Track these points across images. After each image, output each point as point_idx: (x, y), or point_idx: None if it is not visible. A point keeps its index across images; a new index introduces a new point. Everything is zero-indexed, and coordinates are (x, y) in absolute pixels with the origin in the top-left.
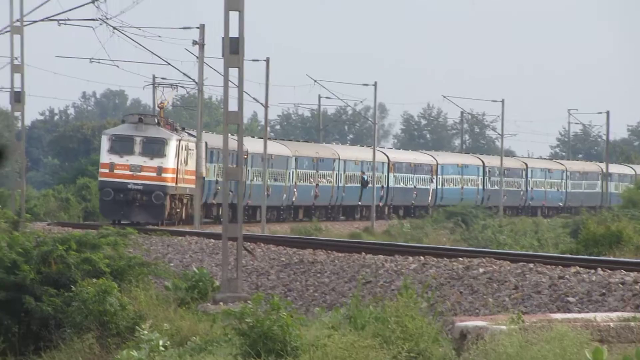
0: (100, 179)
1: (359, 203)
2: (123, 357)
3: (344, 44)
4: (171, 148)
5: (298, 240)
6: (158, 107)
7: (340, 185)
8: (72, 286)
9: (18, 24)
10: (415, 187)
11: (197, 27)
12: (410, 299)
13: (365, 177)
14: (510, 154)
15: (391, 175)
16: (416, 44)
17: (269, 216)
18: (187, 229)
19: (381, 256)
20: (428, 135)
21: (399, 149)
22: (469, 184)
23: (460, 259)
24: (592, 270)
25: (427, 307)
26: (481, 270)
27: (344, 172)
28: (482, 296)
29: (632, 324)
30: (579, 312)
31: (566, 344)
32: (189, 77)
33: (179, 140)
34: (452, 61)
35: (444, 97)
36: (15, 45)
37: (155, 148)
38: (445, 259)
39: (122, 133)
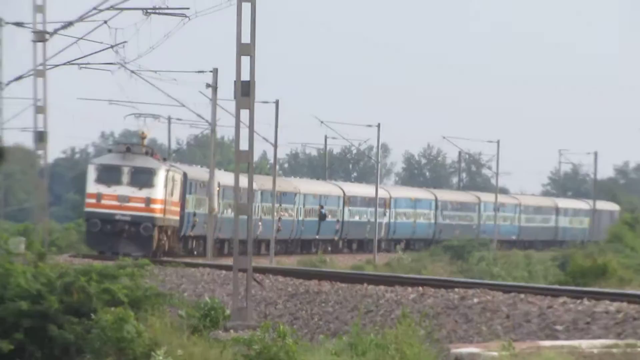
0: (86, 209)
1: (317, 237)
2: None
3: (350, 86)
4: (160, 178)
5: (304, 271)
6: (140, 137)
7: (300, 219)
8: (92, 314)
9: (41, 67)
10: (369, 220)
11: (211, 71)
12: (408, 327)
13: (323, 211)
14: (504, 191)
15: (346, 209)
16: (418, 88)
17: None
18: (200, 260)
19: (382, 287)
20: (427, 174)
21: (400, 185)
22: (421, 218)
23: (456, 289)
24: (579, 300)
25: (424, 334)
26: (475, 300)
27: (304, 206)
28: (476, 324)
29: (614, 350)
30: (566, 339)
31: None
32: (203, 118)
33: (167, 171)
34: (452, 103)
35: (443, 137)
36: (39, 88)
37: (143, 178)
38: (442, 289)
39: (109, 163)
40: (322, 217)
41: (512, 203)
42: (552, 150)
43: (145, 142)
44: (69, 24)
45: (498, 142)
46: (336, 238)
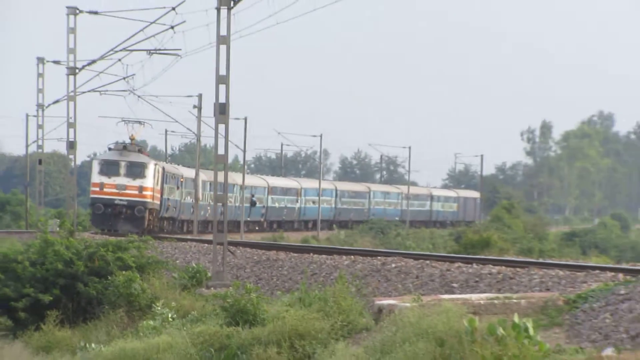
0: (92, 195)
1: (248, 219)
2: (144, 326)
3: (300, 103)
4: (150, 171)
5: (266, 244)
6: (130, 138)
7: (237, 205)
8: (109, 276)
9: (72, 94)
10: (286, 206)
11: (197, 96)
12: (343, 285)
13: (254, 199)
14: (414, 184)
15: (270, 197)
16: (353, 103)
17: (191, 228)
18: (188, 236)
19: (324, 255)
20: (357, 171)
21: (337, 181)
22: (325, 204)
23: (379, 257)
24: (469, 265)
25: (355, 291)
26: (393, 265)
27: (239, 195)
28: (394, 283)
29: (495, 301)
30: (460, 293)
31: (450, 315)
32: (190, 130)
33: (155, 165)
34: (377, 116)
35: (369, 144)
36: (70, 109)
37: (137, 171)
38: (369, 257)
39: (109, 158)
40: (253, 203)
41: (396, 192)
42: (450, 152)
43: (141, 144)
44: (93, 61)
45: (409, 147)
46: (262, 220)
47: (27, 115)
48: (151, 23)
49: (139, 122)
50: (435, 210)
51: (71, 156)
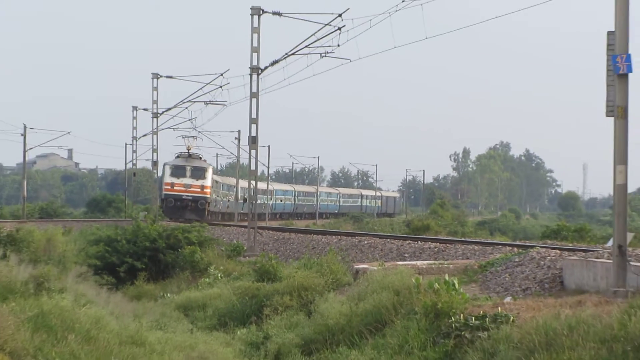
0: (164, 192)
1: (241, 211)
2: (202, 282)
3: (303, 134)
4: (208, 174)
5: (281, 228)
6: (187, 149)
7: (240, 201)
8: (179, 249)
9: (155, 130)
10: (263, 202)
11: (237, 131)
12: (333, 255)
13: (245, 196)
14: (380, 189)
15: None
16: (340, 133)
17: (227, 218)
18: (230, 223)
19: (320, 236)
20: (342, 181)
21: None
22: (287, 201)
23: (356, 237)
24: (416, 242)
25: (341, 259)
26: (365, 242)
27: (244, 194)
28: (366, 254)
29: (433, 266)
30: (410, 260)
31: (403, 275)
32: (233, 154)
33: (211, 169)
34: (355, 142)
35: (350, 163)
36: (154, 140)
37: (199, 173)
38: (349, 237)
39: (178, 164)
40: (245, 200)
41: (335, 192)
42: (403, 168)
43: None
44: (169, 109)
45: (376, 165)
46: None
47: (126, 144)
48: (206, 84)
49: (193, 137)
50: (364, 205)
51: (154, 170)
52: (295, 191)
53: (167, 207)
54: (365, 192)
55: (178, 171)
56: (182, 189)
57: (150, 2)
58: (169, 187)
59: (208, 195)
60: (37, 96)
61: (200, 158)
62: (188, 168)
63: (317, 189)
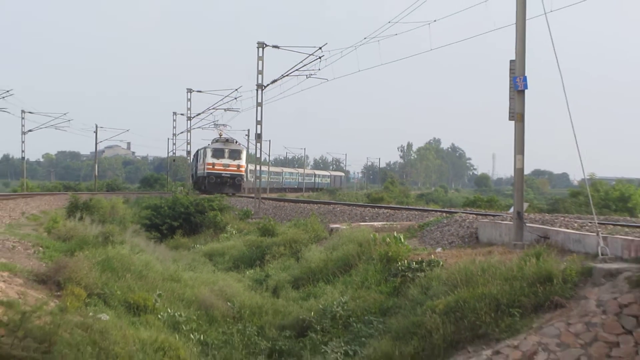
0: (206, 171)
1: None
2: (222, 237)
3: (292, 132)
4: (244, 155)
5: (278, 198)
6: (218, 134)
7: (251, 179)
8: (205, 213)
9: (189, 129)
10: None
11: (247, 130)
12: (315, 218)
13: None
14: (347, 172)
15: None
16: (321, 127)
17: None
18: (243, 194)
19: (306, 204)
20: (321, 165)
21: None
22: (263, 179)
23: (331, 205)
24: (374, 209)
25: (320, 220)
26: (338, 208)
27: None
28: (338, 217)
29: (386, 225)
30: (369, 222)
31: (365, 232)
32: (245, 146)
33: (245, 151)
34: (332, 134)
35: (327, 152)
36: (190, 137)
37: (235, 155)
38: (327, 205)
39: (218, 147)
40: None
41: (296, 172)
42: (364, 155)
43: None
44: (199, 114)
45: (346, 154)
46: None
47: (168, 139)
48: (225, 97)
49: (224, 125)
50: (317, 181)
51: (188, 158)
52: (268, 171)
53: (209, 183)
54: (318, 172)
55: (218, 153)
56: (222, 168)
57: (183, 29)
58: (211, 167)
59: (243, 173)
60: (104, 94)
61: (236, 142)
62: (226, 150)
63: (282, 170)
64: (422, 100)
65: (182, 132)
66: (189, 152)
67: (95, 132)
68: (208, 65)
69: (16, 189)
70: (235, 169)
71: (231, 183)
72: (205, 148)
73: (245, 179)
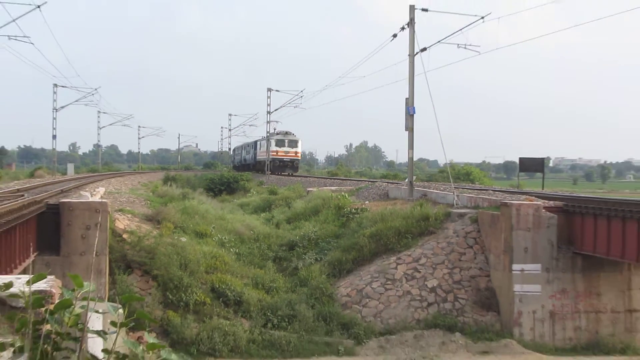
0: (270, 156)
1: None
2: (248, 195)
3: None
4: (299, 144)
5: (279, 174)
6: (273, 128)
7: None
8: (238, 182)
9: (229, 134)
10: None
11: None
12: (299, 185)
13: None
14: (316, 159)
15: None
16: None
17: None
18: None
19: (294, 177)
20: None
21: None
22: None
23: (308, 177)
24: (332, 180)
25: (302, 186)
26: (311, 179)
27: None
28: (312, 184)
29: (338, 189)
30: (328, 187)
31: (326, 192)
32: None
33: (301, 141)
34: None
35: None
36: (230, 139)
37: (293, 144)
38: (306, 177)
39: (280, 138)
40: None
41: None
42: (324, 150)
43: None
44: (236, 127)
45: (316, 149)
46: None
47: (218, 142)
48: (250, 118)
49: (276, 121)
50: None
51: (229, 151)
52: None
53: (274, 165)
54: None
55: (280, 143)
56: (283, 154)
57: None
58: (275, 153)
59: (299, 158)
60: (188, 109)
61: (292, 134)
62: (286, 140)
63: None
64: (359, 116)
65: (229, 136)
66: (229, 148)
67: (178, 137)
68: (237, 95)
69: (135, 169)
70: (294, 154)
71: (290, 165)
72: (268, 139)
73: (299, 162)
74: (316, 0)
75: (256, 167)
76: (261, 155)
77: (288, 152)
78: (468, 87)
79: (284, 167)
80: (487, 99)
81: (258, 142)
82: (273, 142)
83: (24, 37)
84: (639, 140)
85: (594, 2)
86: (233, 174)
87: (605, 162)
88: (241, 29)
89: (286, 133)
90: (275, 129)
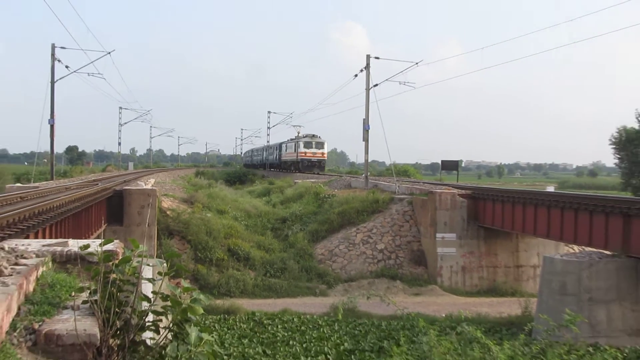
0: (299, 157)
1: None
2: (254, 185)
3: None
4: (325, 145)
5: (277, 170)
6: (297, 132)
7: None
8: (248, 175)
9: (241, 140)
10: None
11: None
12: (290, 178)
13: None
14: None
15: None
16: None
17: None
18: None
19: (287, 172)
20: None
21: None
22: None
23: (296, 172)
24: (312, 174)
25: (291, 178)
26: (297, 174)
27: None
28: (298, 177)
29: (316, 181)
30: (310, 180)
31: (309, 183)
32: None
33: (326, 143)
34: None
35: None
36: (242, 146)
37: (320, 145)
38: (293, 172)
39: (307, 140)
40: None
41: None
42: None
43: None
44: (248, 136)
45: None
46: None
47: (234, 148)
48: (255, 131)
49: (299, 126)
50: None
51: (241, 155)
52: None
53: (303, 165)
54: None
55: (308, 145)
56: (311, 155)
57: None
58: (303, 154)
59: (325, 159)
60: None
61: (319, 137)
62: (313, 142)
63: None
64: (331, 130)
65: (241, 144)
66: (241, 152)
67: (206, 145)
68: (252, 111)
69: (175, 166)
70: (321, 155)
71: (318, 165)
72: (297, 141)
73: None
74: (304, 51)
75: (281, 166)
76: (287, 156)
77: (315, 153)
78: (407, 108)
79: (312, 166)
80: (420, 117)
81: (283, 145)
82: (302, 144)
83: (99, 74)
84: (523, 148)
85: (494, 53)
86: (244, 170)
87: (500, 163)
88: (249, 69)
89: (313, 136)
90: (299, 133)
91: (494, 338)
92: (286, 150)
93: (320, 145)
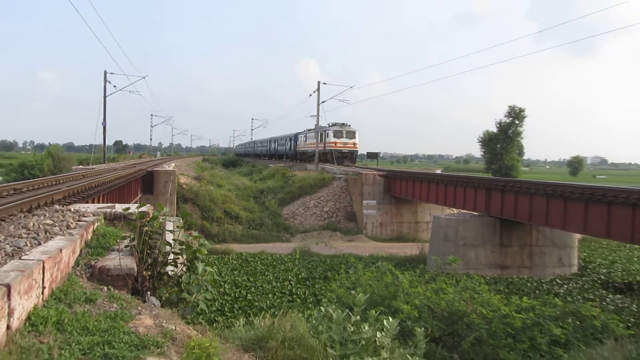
0: (327, 147)
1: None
2: (241, 169)
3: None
4: (357, 135)
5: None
6: (316, 123)
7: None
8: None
9: (252, 131)
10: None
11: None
12: (286, 170)
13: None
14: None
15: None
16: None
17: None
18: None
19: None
20: None
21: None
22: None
23: (293, 161)
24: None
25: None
26: (295, 167)
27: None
28: (296, 170)
29: (309, 172)
30: (282, 164)
31: (303, 175)
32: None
33: (358, 132)
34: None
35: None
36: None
37: (350, 135)
38: (292, 163)
39: (337, 129)
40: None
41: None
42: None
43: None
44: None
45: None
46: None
47: (229, 142)
48: (242, 131)
49: (314, 115)
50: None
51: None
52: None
53: (333, 156)
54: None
55: (338, 134)
56: (342, 145)
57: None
58: (333, 145)
59: (357, 149)
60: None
61: (349, 125)
62: (344, 132)
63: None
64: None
65: (252, 131)
66: (233, 145)
67: (209, 140)
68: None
69: (189, 155)
70: (352, 146)
71: (349, 157)
72: (325, 130)
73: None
74: (275, 73)
75: (296, 157)
76: (308, 146)
77: (346, 144)
78: (347, 118)
79: (342, 158)
80: (354, 123)
81: (300, 135)
82: (331, 133)
83: (136, 91)
84: (421, 143)
85: (405, 79)
86: (238, 158)
87: (405, 154)
88: (241, 86)
89: (343, 124)
90: (328, 123)
91: (401, 270)
92: (305, 141)
93: (351, 134)
